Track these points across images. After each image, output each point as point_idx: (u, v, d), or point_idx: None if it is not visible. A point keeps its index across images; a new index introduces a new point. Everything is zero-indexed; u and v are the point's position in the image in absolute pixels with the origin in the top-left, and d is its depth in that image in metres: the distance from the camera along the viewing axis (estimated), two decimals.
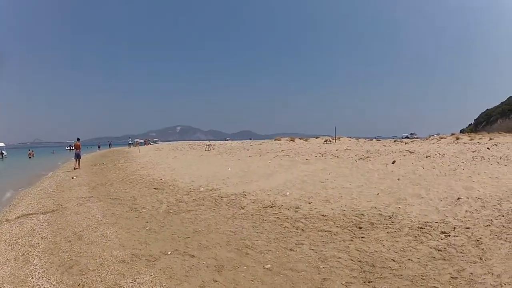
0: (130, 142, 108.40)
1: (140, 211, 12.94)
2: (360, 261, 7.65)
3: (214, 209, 12.72)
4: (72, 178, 24.97)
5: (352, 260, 7.75)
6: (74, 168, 32.92)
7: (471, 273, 6.83)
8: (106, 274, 7.12)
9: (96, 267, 7.50)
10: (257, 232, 9.87)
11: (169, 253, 8.33)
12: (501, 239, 8.66)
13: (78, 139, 35.46)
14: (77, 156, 34.43)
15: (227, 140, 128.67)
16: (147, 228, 10.57)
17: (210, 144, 57.05)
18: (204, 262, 7.76)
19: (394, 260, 7.62)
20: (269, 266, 7.54)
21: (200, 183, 18.16)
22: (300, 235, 9.54)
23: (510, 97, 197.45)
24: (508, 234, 8.95)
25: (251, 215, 11.75)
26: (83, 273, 7.24)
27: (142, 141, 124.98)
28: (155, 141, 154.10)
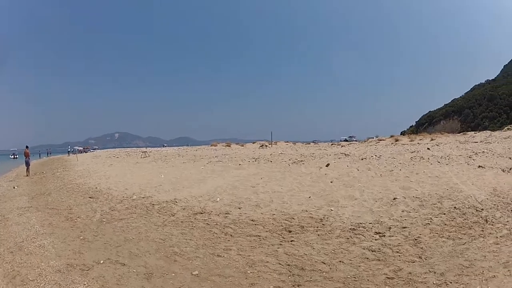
0: (69, 150, 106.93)
1: (75, 220, 13.30)
2: (289, 265, 7.76)
3: (145, 217, 12.89)
4: (14, 188, 25.49)
5: (280, 264, 7.86)
6: (27, 175, 34.62)
7: (410, 273, 7.02)
8: (44, 284, 7.50)
9: (35, 277, 7.87)
10: (186, 239, 10.03)
11: (101, 262, 8.66)
12: (442, 237, 8.98)
13: (27, 147, 37.39)
14: (27, 164, 35.81)
15: (165, 146, 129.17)
16: (81, 237, 10.91)
17: (146, 151, 57.20)
18: (134, 270, 7.97)
19: (324, 263, 7.77)
20: (196, 272, 7.68)
21: (133, 191, 18.23)
22: (229, 240, 9.66)
23: (455, 99, 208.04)
24: (450, 232, 9.29)
25: (181, 222, 11.91)
26: (24, 283, 7.62)
27: (81, 148, 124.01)
28: (94, 148, 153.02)
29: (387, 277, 6.85)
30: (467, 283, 6.54)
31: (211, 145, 69.86)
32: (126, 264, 8.34)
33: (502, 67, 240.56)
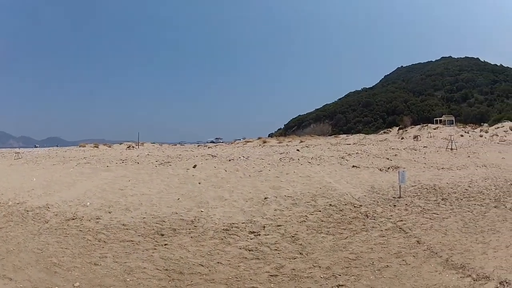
0: None
1: None
2: (167, 270, 7.75)
3: (21, 225, 12.06)
4: None
5: (158, 269, 7.82)
6: None
7: (293, 269, 7.33)
8: None
9: None
10: (62, 248, 9.58)
11: None
12: (321, 233, 9.52)
13: None
14: None
15: (37, 147, 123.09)
16: None
17: (19, 152, 54.30)
18: (21, 285, 7.53)
19: (202, 265, 7.88)
20: (78, 284, 7.40)
21: (8, 196, 16.82)
22: (103, 247, 9.41)
23: (326, 104, 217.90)
24: (329, 228, 9.88)
25: (55, 229, 11.30)
26: None
27: None
28: None
29: (270, 275, 7.10)
30: (358, 274, 6.99)
31: (80, 146, 68.21)
32: (13, 278, 7.92)
33: (383, 77, 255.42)
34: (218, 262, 7.93)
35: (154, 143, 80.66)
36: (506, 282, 6.76)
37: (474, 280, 6.94)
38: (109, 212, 12.55)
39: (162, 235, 9.98)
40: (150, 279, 7.34)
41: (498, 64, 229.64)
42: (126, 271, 7.80)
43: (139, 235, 10.08)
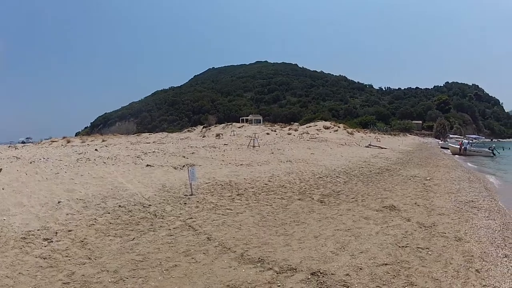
0: None
1: None
2: None
3: None
4: None
5: None
6: None
7: (83, 275, 7.78)
8: None
9: None
10: None
11: None
12: (109, 235, 10.08)
13: None
14: None
15: None
16: None
17: None
18: None
19: (8, 277, 7.92)
20: None
21: None
22: None
23: (133, 102, 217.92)
24: (116, 230, 10.48)
25: None
26: None
27: None
28: None
29: (63, 283, 7.47)
30: (146, 276, 7.60)
31: None
32: None
33: (192, 76, 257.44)
34: (19, 273, 8.04)
35: None
36: (321, 273, 7.38)
37: (277, 273, 7.46)
38: None
39: None
40: None
41: (319, 71, 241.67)
42: None
43: None
